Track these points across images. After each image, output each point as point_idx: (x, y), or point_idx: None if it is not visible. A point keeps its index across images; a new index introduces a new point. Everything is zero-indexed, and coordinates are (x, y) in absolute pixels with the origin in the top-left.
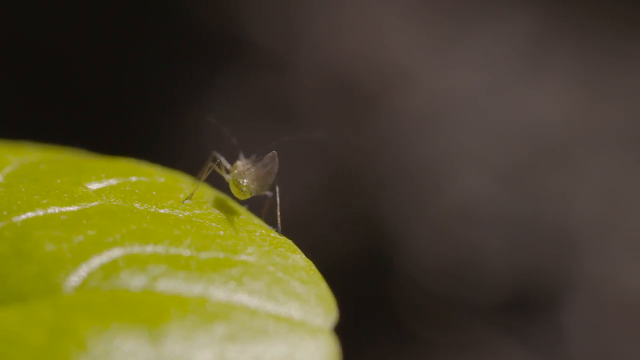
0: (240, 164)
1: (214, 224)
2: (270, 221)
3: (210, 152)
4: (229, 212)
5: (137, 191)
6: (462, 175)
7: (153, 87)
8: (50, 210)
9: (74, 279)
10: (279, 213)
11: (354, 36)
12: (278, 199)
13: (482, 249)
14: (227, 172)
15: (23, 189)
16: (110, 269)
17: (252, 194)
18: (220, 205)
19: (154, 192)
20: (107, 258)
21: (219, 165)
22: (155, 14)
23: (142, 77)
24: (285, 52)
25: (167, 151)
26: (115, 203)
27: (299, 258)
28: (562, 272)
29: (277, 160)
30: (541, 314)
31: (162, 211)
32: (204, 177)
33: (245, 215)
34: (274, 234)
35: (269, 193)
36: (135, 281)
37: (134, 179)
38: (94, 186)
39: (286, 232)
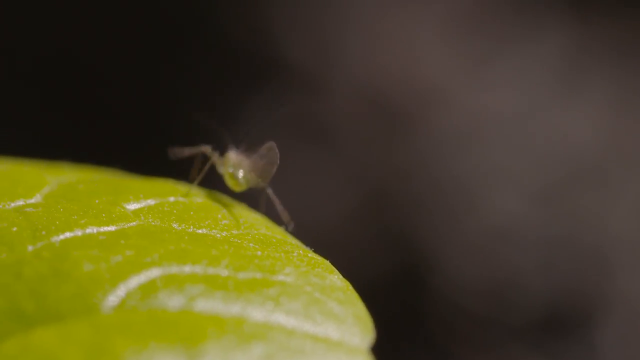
0: (233, 155)
1: (251, 244)
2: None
3: (199, 147)
4: (266, 232)
5: (175, 211)
6: (497, 194)
7: (188, 106)
8: (88, 230)
9: (112, 299)
10: (280, 208)
11: (389, 57)
12: (266, 194)
13: (518, 268)
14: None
15: (61, 209)
16: (149, 289)
17: (249, 186)
18: (257, 226)
19: (191, 212)
20: (145, 278)
21: (212, 157)
22: (192, 34)
23: (178, 97)
24: (321, 73)
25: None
26: (153, 223)
27: (336, 278)
28: (597, 292)
29: (276, 151)
30: (576, 334)
31: (199, 231)
32: (202, 173)
33: (282, 236)
34: (311, 254)
35: (265, 186)
36: (173, 301)
37: (172, 199)
38: (132, 206)
39: (322, 250)
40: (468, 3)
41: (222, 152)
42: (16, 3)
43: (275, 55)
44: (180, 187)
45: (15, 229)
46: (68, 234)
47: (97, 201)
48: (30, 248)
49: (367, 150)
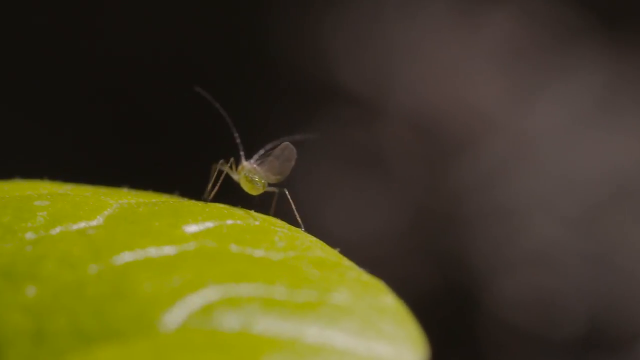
0: (246, 163)
1: (307, 266)
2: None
3: (216, 164)
4: (321, 254)
5: (232, 234)
6: (543, 217)
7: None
8: (148, 252)
9: (171, 319)
10: (295, 212)
11: (440, 85)
12: (283, 194)
13: (563, 288)
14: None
15: (122, 231)
16: (207, 310)
17: (266, 187)
18: (312, 248)
19: (248, 235)
20: (203, 299)
21: (230, 167)
22: (248, 59)
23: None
24: (375, 99)
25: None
26: (211, 245)
27: (390, 299)
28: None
29: (292, 148)
30: (618, 355)
31: (256, 253)
32: (217, 185)
33: (337, 257)
34: (365, 275)
35: (277, 189)
36: (231, 322)
37: (229, 222)
38: (191, 229)
39: (374, 270)
40: (516, 34)
41: (236, 162)
42: (78, 28)
43: (330, 81)
44: (238, 210)
45: (77, 250)
46: (129, 255)
47: (157, 223)
48: (92, 269)
49: (417, 175)
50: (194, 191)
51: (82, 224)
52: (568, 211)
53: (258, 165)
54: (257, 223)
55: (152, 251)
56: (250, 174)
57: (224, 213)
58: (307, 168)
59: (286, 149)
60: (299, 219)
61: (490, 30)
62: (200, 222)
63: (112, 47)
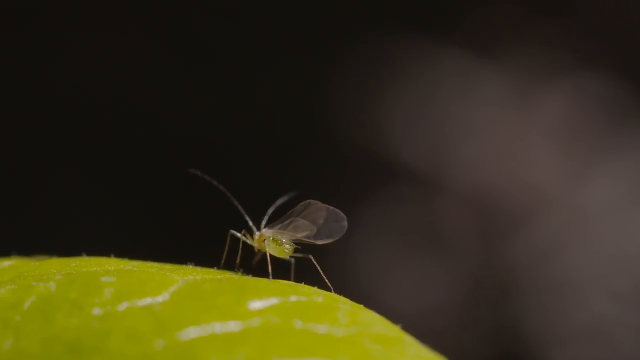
0: (265, 230)
1: (369, 342)
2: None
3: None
4: (383, 330)
5: (296, 310)
6: (596, 293)
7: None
8: (213, 327)
9: None
10: (324, 276)
11: (497, 161)
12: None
13: None
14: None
15: (187, 307)
16: None
17: (294, 247)
18: (375, 324)
19: (312, 311)
20: None
21: (242, 238)
22: (308, 136)
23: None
24: (432, 176)
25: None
26: (275, 321)
27: None
28: None
29: (319, 204)
30: None
31: (320, 329)
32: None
33: (398, 333)
34: (426, 351)
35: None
36: None
37: (293, 298)
38: (256, 305)
39: (431, 341)
40: (571, 112)
41: (250, 232)
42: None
43: (389, 157)
44: (301, 287)
45: (143, 325)
46: (194, 331)
47: (221, 299)
48: (157, 344)
49: (474, 250)
50: (253, 268)
51: (148, 300)
52: (622, 287)
53: (280, 228)
54: (320, 299)
55: (217, 327)
56: (275, 236)
57: (288, 289)
58: (367, 243)
59: (310, 205)
60: (328, 283)
61: (545, 108)
62: (265, 298)
63: (192, 125)
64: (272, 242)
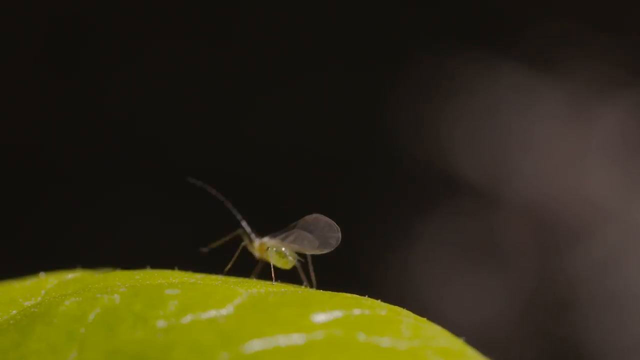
0: (266, 239)
1: (432, 355)
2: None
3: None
4: (446, 343)
5: (360, 323)
6: None
7: (361, 220)
8: (276, 341)
9: None
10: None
11: (555, 175)
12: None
13: None
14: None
15: (252, 320)
16: None
17: (296, 262)
18: (437, 337)
19: (375, 325)
20: None
21: (247, 239)
22: (368, 152)
23: (359, 217)
24: (491, 189)
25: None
26: (339, 334)
27: None
28: None
29: (327, 220)
30: None
31: (384, 343)
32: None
33: (461, 347)
34: None
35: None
36: None
37: (357, 311)
38: (320, 318)
39: (491, 353)
40: (629, 126)
41: (251, 239)
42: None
43: (448, 171)
44: (365, 300)
45: (207, 338)
46: (258, 344)
47: (286, 312)
48: (222, 357)
49: (532, 263)
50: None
51: (212, 313)
52: None
53: (283, 240)
54: (383, 312)
55: (281, 340)
56: (277, 247)
57: (351, 302)
58: (427, 256)
59: (317, 220)
60: (313, 281)
61: (602, 123)
62: (328, 311)
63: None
64: (276, 254)
